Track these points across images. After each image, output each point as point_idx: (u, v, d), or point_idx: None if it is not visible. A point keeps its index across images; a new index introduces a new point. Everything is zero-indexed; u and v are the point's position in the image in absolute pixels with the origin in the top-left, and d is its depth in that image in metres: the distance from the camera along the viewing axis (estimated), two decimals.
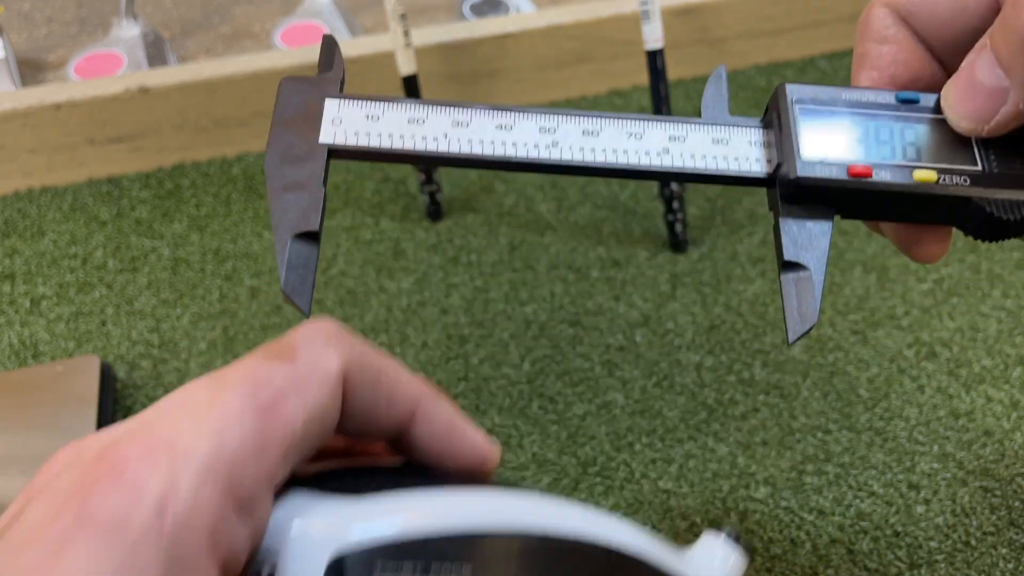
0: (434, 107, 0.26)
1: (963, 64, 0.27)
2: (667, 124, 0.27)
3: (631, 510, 0.46)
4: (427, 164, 0.26)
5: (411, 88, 0.62)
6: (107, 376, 0.52)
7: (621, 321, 0.56)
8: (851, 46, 0.79)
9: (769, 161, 0.27)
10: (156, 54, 0.79)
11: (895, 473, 0.47)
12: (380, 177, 0.68)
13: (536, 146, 0.26)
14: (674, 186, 0.61)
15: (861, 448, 0.49)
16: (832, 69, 0.77)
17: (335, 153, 0.26)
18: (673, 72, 0.75)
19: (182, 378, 0.54)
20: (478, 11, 0.84)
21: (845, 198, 0.26)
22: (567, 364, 0.54)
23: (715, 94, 0.29)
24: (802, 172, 0.26)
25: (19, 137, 0.66)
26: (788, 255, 0.26)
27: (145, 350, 0.55)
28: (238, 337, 0.56)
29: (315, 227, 0.24)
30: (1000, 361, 0.53)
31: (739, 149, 0.27)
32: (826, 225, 0.26)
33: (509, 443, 0.50)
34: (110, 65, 0.78)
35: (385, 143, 0.26)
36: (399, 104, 0.26)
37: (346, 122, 0.26)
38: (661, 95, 0.61)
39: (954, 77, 0.27)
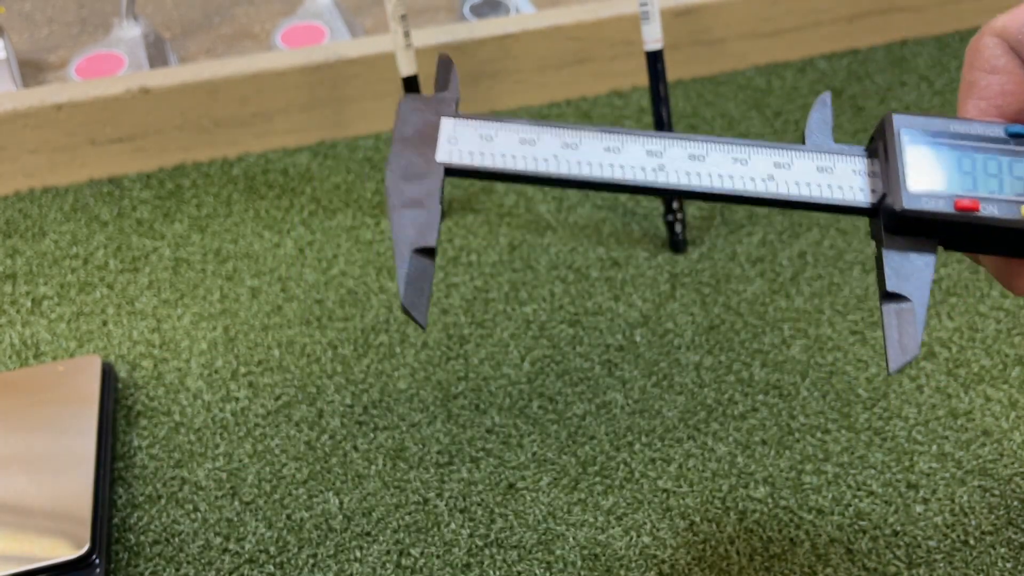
0: (544, 128, 0.27)
1: None
2: (772, 151, 0.27)
3: (630, 509, 0.46)
4: (538, 184, 0.27)
5: (411, 88, 0.62)
6: (108, 376, 0.52)
7: (621, 321, 0.56)
8: (849, 46, 0.79)
9: (874, 191, 0.27)
10: (157, 55, 0.80)
11: (894, 473, 0.48)
12: (380, 178, 0.68)
13: (643, 169, 0.26)
14: None
15: (860, 448, 0.49)
16: (831, 70, 0.77)
17: (451, 171, 0.27)
18: (672, 73, 0.75)
19: (183, 378, 0.54)
20: (478, 12, 0.84)
21: (950, 231, 0.26)
22: (567, 364, 0.54)
23: (820, 120, 0.28)
24: (908, 204, 0.26)
25: (20, 137, 0.66)
26: (891, 286, 0.26)
27: (146, 350, 0.56)
28: (239, 337, 0.56)
29: (432, 243, 0.25)
30: (999, 361, 0.53)
31: (844, 178, 0.27)
32: (930, 258, 0.26)
33: (509, 442, 0.50)
34: (111, 65, 0.78)
35: (498, 163, 0.26)
36: (511, 125, 0.27)
37: (461, 141, 0.27)
38: (660, 96, 0.61)
39: None
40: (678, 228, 0.61)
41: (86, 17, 0.89)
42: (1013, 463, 0.48)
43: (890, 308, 0.26)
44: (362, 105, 0.71)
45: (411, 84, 0.62)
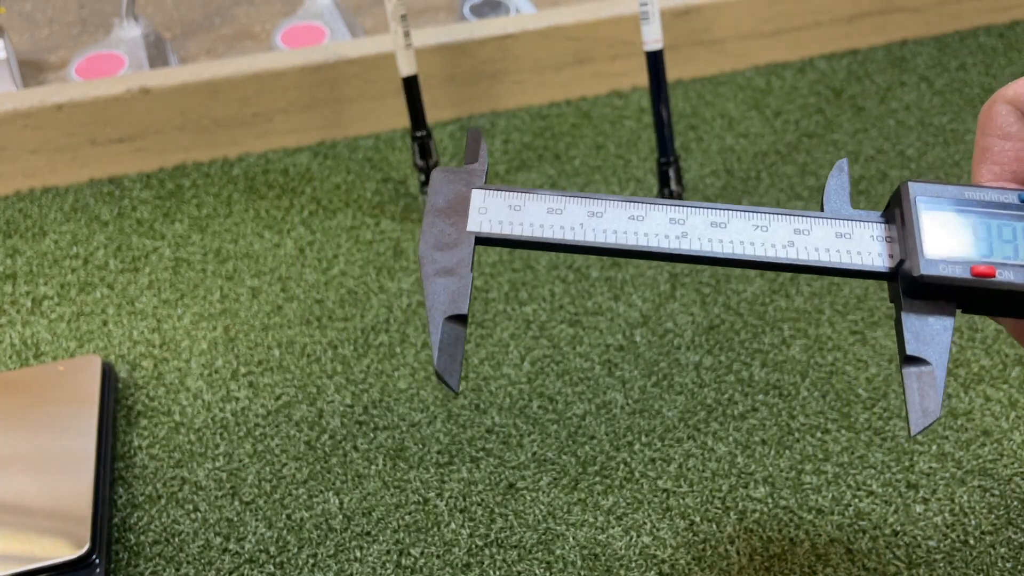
0: (571, 197, 0.28)
1: None
2: (792, 218, 0.28)
3: (630, 509, 0.46)
4: (565, 252, 0.29)
5: (411, 88, 0.62)
6: (108, 375, 0.53)
7: (621, 321, 0.56)
8: (849, 47, 0.79)
9: (892, 256, 0.28)
10: (157, 55, 0.80)
11: (894, 472, 0.48)
12: (380, 178, 0.68)
13: (667, 236, 0.28)
14: (674, 186, 0.61)
15: (860, 448, 0.49)
16: (831, 70, 0.77)
17: (481, 240, 0.28)
18: (672, 73, 0.75)
19: (183, 378, 0.54)
20: (478, 12, 0.85)
21: (968, 296, 0.27)
22: (567, 364, 0.54)
23: (837, 186, 0.29)
24: (925, 271, 0.27)
25: (21, 137, 0.66)
26: (911, 350, 0.27)
27: (146, 350, 0.56)
28: (239, 337, 0.56)
29: (464, 311, 0.26)
30: (998, 361, 0.53)
31: (862, 243, 0.28)
32: (948, 321, 0.27)
33: (509, 442, 0.50)
34: (111, 66, 0.78)
35: (527, 232, 0.28)
36: (539, 195, 0.28)
37: (491, 211, 0.28)
38: (660, 96, 0.61)
39: None
40: None
41: (86, 17, 0.90)
42: (1013, 463, 0.48)
43: (911, 371, 0.26)
44: (362, 105, 0.71)
45: (411, 84, 0.62)
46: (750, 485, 0.47)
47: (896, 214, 0.28)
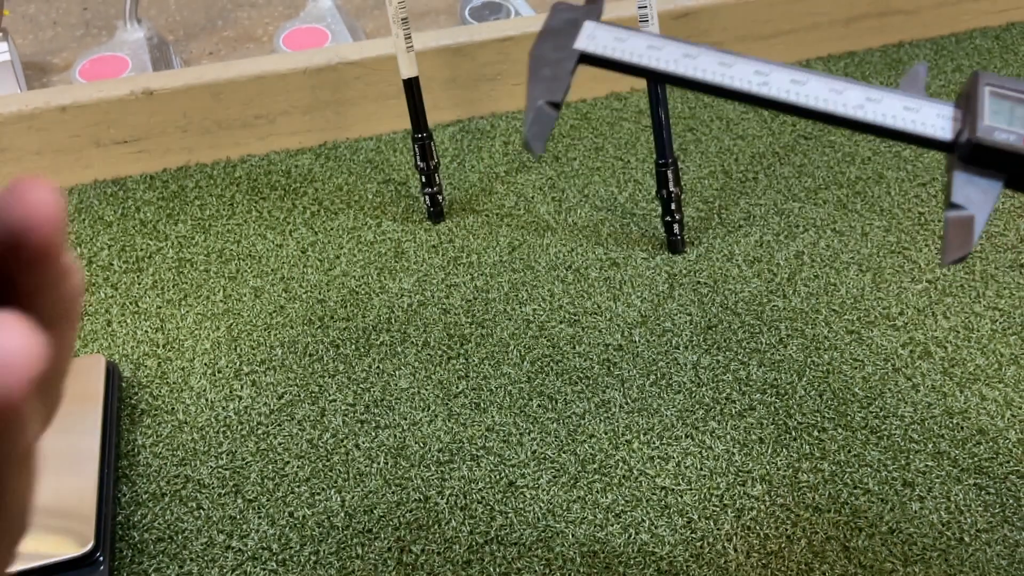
0: (668, 40, 0.31)
1: None
2: (867, 88, 0.30)
3: (629, 507, 0.47)
4: (659, 81, 0.33)
5: (412, 91, 0.63)
6: (112, 375, 0.53)
7: (619, 321, 0.57)
8: (846, 49, 0.80)
9: (954, 130, 0.30)
10: (160, 57, 0.80)
11: (890, 471, 0.48)
12: (382, 179, 0.68)
13: (751, 82, 0.30)
14: (672, 187, 0.61)
15: (856, 446, 0.49)
16: (828, 71, 0.77)
17: (585, 58, 0.31)
18: None
19: (187, 377, 0.54)
20: (478, 15, 0.85)
21: (1018, 165, 0.29)
22: (566, 363, 0.54)
23: (912, 80, 0.31)
24: (981, 134, 0.28)
25: (25, 139, 0.67)
26: (956, 199, 0.29)
27: (150, 349, 0.56)
28: (242, 336, 0.57)
29: (559, 99, 0.29)
30: (994, 360, 0.54)
31: (928, 117, 0.30)
32: (996, 184, 0.29)
33: (509, 441, 0.50)
34: (115, 68, 0.78)
35: (627, 57, 0.31)
36: (642, 33, 0.31)
37: (599, 38, 0.31)
38: (658, 98, 0.61)
39: None
40: (676, 229, 0.61)
41: (90, 20, 0.90)
42: (1008, 461, 0.48)
43: (952, 215, 0.28)
44: (364, 107, 0.72)
45: (412, 86, 0.63)
46: (748, 483, 0.48)
47: (964, 98, 0.30)
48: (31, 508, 0.19)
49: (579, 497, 0.47)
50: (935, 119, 0.30)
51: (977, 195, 0.28)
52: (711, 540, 0.45)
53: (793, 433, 0.50)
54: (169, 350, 0.56)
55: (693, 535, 0.45)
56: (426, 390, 0.53)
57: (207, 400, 0.53)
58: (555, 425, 0.51)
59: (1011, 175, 0.29)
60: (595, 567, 0.44)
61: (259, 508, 0.47)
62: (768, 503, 0.47)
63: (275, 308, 0.58)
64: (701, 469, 0.48)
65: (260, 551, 0.46)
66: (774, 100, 0.30)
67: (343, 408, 0.52)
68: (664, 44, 0.31)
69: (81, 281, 0.21)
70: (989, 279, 0.59)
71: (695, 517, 0.46)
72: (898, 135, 0.30)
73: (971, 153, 0.29)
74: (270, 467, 0.49)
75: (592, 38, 0.31)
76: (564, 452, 0.50)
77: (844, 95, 0.30)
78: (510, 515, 0.47)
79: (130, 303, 0.59)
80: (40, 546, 0.43)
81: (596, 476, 0.48)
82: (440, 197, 0.64)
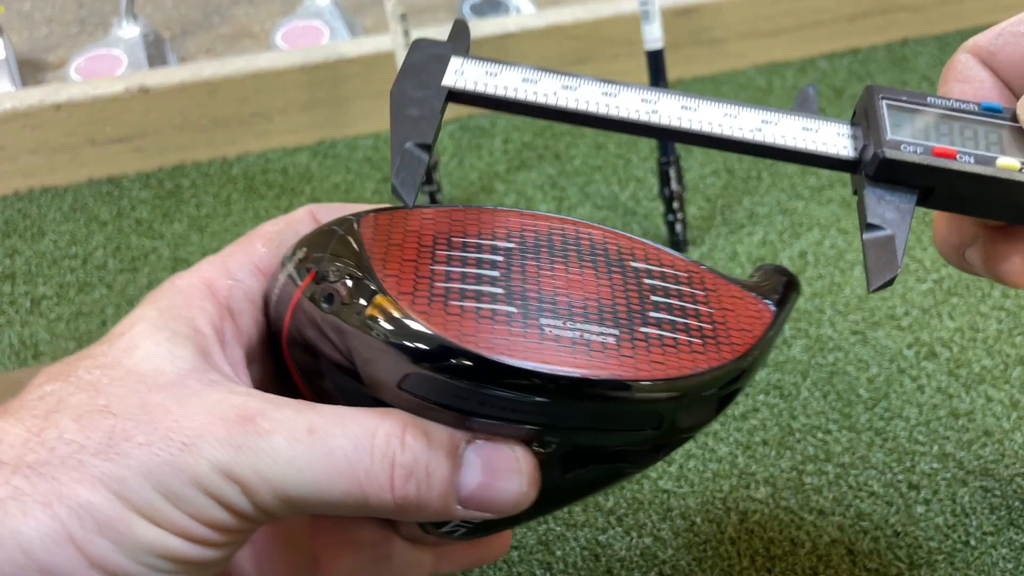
0: (546, 72, 0.29)
1: None
2: (761, 110, 0.29)
3: (631, 510, 0.46)
4: (536, 116, 0.29)
5: None
6: None
7: None
8: (850, 46, 0.79)
9: (856, 147, 0.28)
10: (156, 54, 0.80)
11: (895, 473, 0.47)
12: (380, 177, 0.68)
13: (638, 111, 0.28)
14: (674, 186, 0.61)
15: (861, 448, 0.49)
16: (832, 69, 0.77)
17: (454, 95, 0.28)
18: (673, 72, 0.75)
19: None
20: (478, 11, 0.84)
21: (928, 179, 0.27)
22: None
23: (803, 100, 0.30)
24: (887, 148, 0.27)
25: (20, 137, 0.66)
26: (871, 218, 0.27)
27: None
28: None
29: (428, 141, 0.27)
30: (1000, 361, 0.53)
31: (828, 137, 0.28)
32: (910, 198, 0.27)
33: None
34: (110, 65, 0.78)
35: (500, 92, 0.28)
36: (515, 67, 0.29)
37: (467, 74, 0.29)
38: None
39: None
40: (678, 228, 0.61)
41: (85, 17, 0.89)
42: (1015, 463, 0.48)
43: (870, 237, 0.27)
44: (362, 104, 0.71)
45: None
46: (751, 486, 0.47)
47: (861, 115, 0.29)
48: None
49: (578, 501, 0.47)
50: (836, 138, 0.28)
51: (892, 213, 0.27)
52: (714, 544, 0.45)
53: (797, 435, 0.49)
54: None
55: (696, 538, 0.45)
56: None
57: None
58: None
59: (923, 189, 0.27)
60: (597, 571, 0.44)
61: None
62: (772, 506, 0.46)
63: None
64: (704, 472, 0.48)
65: None
66: (665, 128, 0.28)
67: None
68: (540, 76, 0.29)
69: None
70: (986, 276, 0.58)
71: (698, 520, 0.46)
72: (800, 156, 0.28)
73: (879, 169, 0.27)
74: None
75: (460, 73, 0.28)
76: None
77: (739, 119, 0.28)
78: None
79: (125, 303, 0.58)
80: None
81: None
82: (439, 195, 0.63)
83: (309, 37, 0.81)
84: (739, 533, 0.45)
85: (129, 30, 0.79)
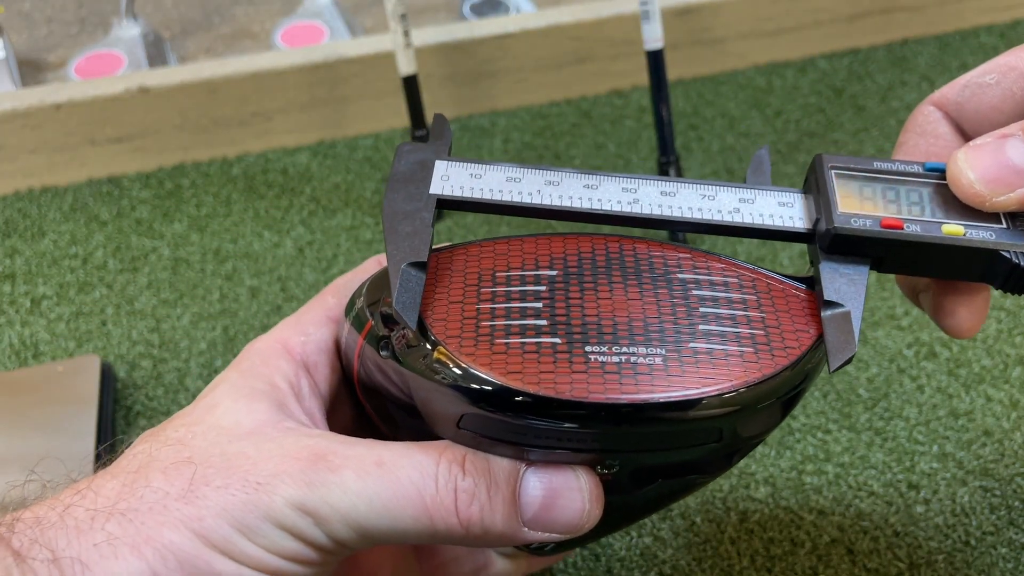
0: (529, 169, 0.30)
1: (992, 134, 0.28)
2: (737, 189, 0.30)
3: None
4: (522, 215, 0.31)
5: (411, 88, 0.62)
6: (107, 376, 0.52)
7: None
8: (850, 46, 0.79)
9: (809, 219, 0.30)
10: (156, 54, 0.80)
11: (895, 473, 0.47)
12: (380, 178, 0.68)
13: (619, 202, 0.30)
14: None
15: (861, 448, 0.49)
16: (832, 69, 0.77)
17: (443, 203, 0.30)
18: (673, 72, 0.75)
19: (182, 378, 0.54)
20: (478, 11, 0.84)
21: (879, 249, 0.28)
22: None
23: (756, 169, 0.31)
24: (838, 223, 0.28)
25: (20, 137, 0.66)
26: (828, 295, 0.28)
27: (145, 350, 0.55)
28: (238, 337, 0.56)
29: (424, 259, 0.28)
30: (1000, 361, 0.53)
31: (771, 208, 0.30)
32: (863, 270, 0.28)
33: None
34: (110, 65, 0.78)
35: (486, 196, 0.29)
36: (499, 166, 0.30)
37: (453, 179, 0.30)
38: (661, 95, 0.61)
39: (977, 144, 0.28)
40: None
41: (85, 17, 0.89)
42: (1014, 463, 0.48)
43: (828, 315, 0.28)
44: (362, 104, 0.71)
45: (411, 83, 0.62)
46: (751, 486, 0.47)
47: (812, 184, 0.30)
48: None
49: None
50: (783, 209, 0.30)
51: (847, 286, 0.28)
52: (714, 544, 0.45)
53: (797, 435, 0.49)
54: (165, 351, 0.55)
55: (696, 538, 0.45)
56: None
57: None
58: None
59: (875, 259, 0.28)
60: (596, 570, 0.44)
61: None
62: (772, 506, 0.46)
63: (272, 308, 0.58)
64: None
65: None
66: (647, 218, 0.29)
67: None
68: (523, 174, 0.30)
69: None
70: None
71: (698, 520, 0.46)
72: (768, 234, 0.29)
73: (832, 243, 0.28)
74: None
75: (446, 179, 0.30)
76: None
77: (717, 200, 0.29)
78: None
79: (125, 303, 0.58)
80: None
81: None
82: None
83: (309, 37, 0.81)
84: (739, 533, 0.45)
85: (129, 30, 0.79)
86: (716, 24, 0.75)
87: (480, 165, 0.30)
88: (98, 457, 0.47)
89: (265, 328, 0.56)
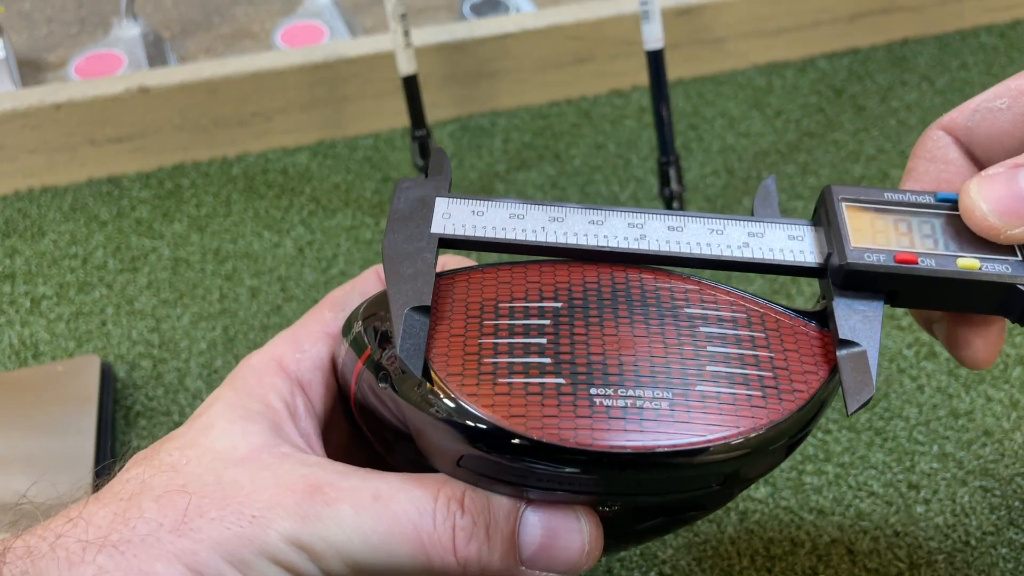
0: (533, 205, 0.29)
1: (1004, 164, 0.28)
2: (745, 223, 0.30)
3: None
4: (526, 253, 0.30)
5: (411, 88, 0.62)
6: (107, 376, 0.52)
7: None
8: (850, 46, 0.79)
9: (821, 253, 0.29)
10: (156, 54, 0.80)
11: (895, 473, 0.47)
12: (380, 177, 0.68)
13: (626, 238, 0.29)
14: (674, 186, 0.61)
15: (861, 448, 0.49)
16: (832, 69, 0.77)
17: (444, 242, 0.29)
18: (673, 72, 0.75)
19: (182, 378, 0.54)
20: (478, 11, 0.84)
21: (893, 284, 0.28)
22: None
23: (764, 199, 0.31)
24: (851, 259, 0.27)
25: (20, 137, 0.66)
26: (843, 334, 0.27)
27: (145, 350, 0.55)
28: (238, 337, 0.56)
29: (427, 303, 0.27)
30: (999, 361, 0.53)
31: (808, 245, 0.29)
32: (877, 306, 0.28)
33: None
34: (110, 65, 0.78)
35: (489, 234, 0.29)
36: (501, 202, 0.29)
37: (454, 216, 0.29)
38: (661, 95, 0.61)
39: (990, 174, 0.28)
40: None
41: (85, 17, 0.89)
42: (1014, 463, 0.48)
43: (844, 354, 0.27)
44: (362, 104, 0.71)
45: (411, 83, 0.62)
46: (751, 486, 0.47)
47: (823, 216, 0.29)
48: None
49: None
50: (792, 243, 0.29)
51: (861, 324, 0.27)
52: (714, 544, 0.45)
53: None
54: (165, 351, 0.55)
55: (696, 538, 0.45)
56: None
57: (203, 401, 0.52)
58: None
59: (889, 293, 0.28)
60: (596, 570, 0.44)
61: None
62: (772, 506, 0.46)
63: (272, 308, 0.58)
64: None
65: None
66: (655, 255, 0.28)
67: None
68: (527, 210, 0.29)
69: None
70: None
71: (698, 520, 0.46)
72: (778, 269, 0.29)
73: (846, 280, 0.28)
74: None
75: (447, 217, 0.29)
76: None
77: (726, 234, 0.29)
78: None
79: (125, 303, 0.58)
80: None
81: None
82: None
83: (309, 37, 0.81)
84: (739, 533, 0.45)
85: (129, 30, 0.79)
86: (716, 24, 0.75)
87: (482, 201, 0.29)
88: (97, 475, 0.47)
89: (265, 328, 0.56)
